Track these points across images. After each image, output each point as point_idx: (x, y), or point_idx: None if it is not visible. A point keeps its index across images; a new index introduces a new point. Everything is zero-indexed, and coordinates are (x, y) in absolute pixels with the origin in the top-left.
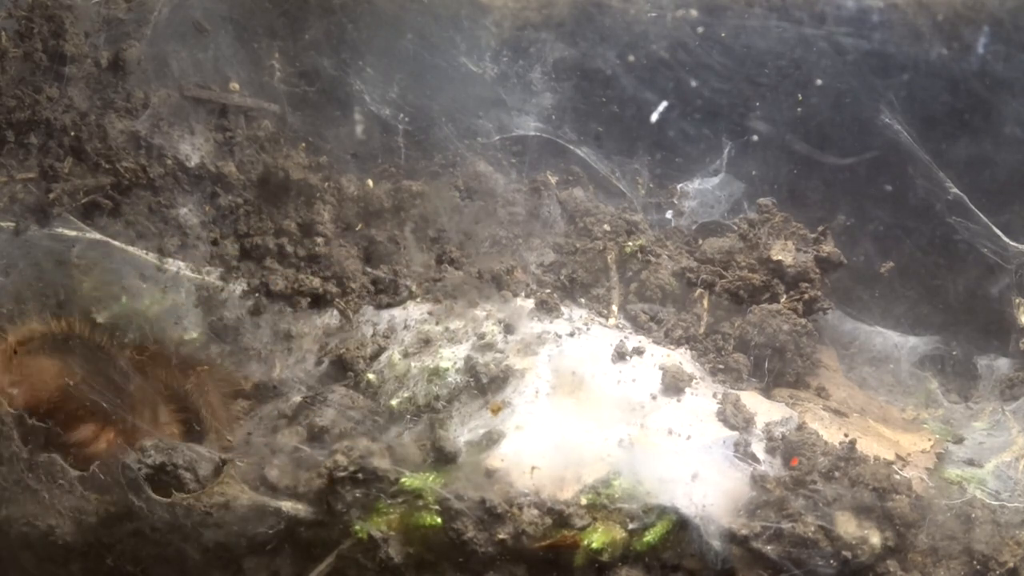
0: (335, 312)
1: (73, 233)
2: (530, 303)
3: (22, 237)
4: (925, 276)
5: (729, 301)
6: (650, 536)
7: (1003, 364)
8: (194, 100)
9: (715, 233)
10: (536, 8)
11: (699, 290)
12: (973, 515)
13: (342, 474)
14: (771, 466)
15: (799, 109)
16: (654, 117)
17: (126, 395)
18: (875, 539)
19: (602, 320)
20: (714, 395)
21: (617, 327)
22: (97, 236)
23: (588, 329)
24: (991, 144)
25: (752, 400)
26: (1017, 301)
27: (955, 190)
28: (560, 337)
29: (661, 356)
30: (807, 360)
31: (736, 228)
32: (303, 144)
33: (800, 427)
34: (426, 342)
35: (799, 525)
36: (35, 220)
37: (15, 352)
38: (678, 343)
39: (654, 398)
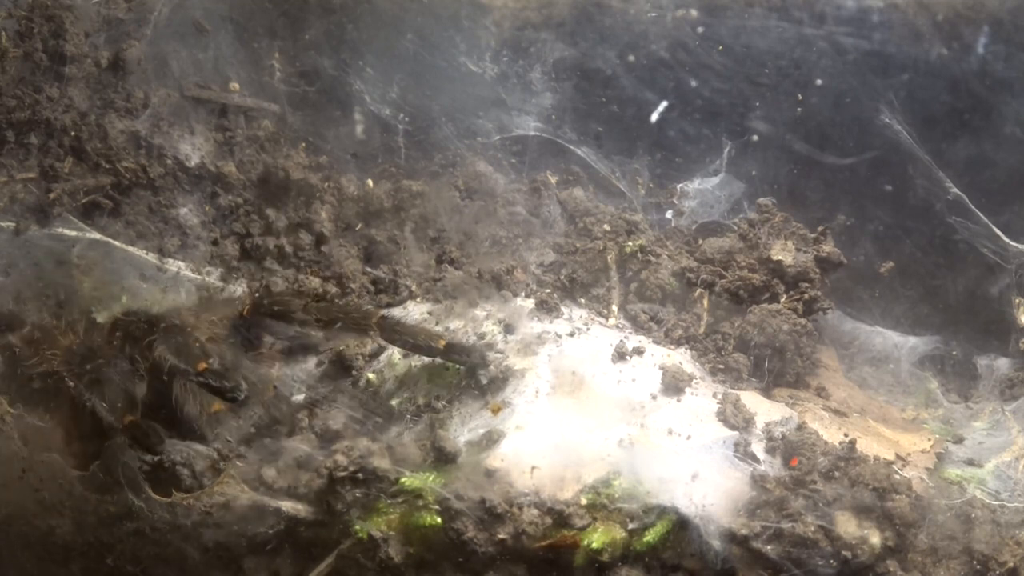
0: None
1: (73, 233)
2: (530, 303)
3: (22, 237)
4: (925, 276)
5: (729, 301)
6: (650, 536)
7: (1003, 364)
8: (194, 100)
9: (715, 233)
10: (536, 8)
11: (699, 290)
12: (973, 515)
13: (342, 474)
14: (771, 466)
15: (799, 109)
16: (654, 117)
17: None
18: (875, 539)
19: (602, 320)
20: (714, 395)
21: (617, 327)
22: (97, 236)
23: (588, 329)
24: (991, 144)
25: (752, 400)
26: (1017, 301)
27: (955, 190)
28: (560, 337)
29: (661, 356)
30: (807, 360)
31: (736, 228)
32: (303, 144)
33: (800, 427)
34: None
35: (799, 525)
36: (35, 220)
37: None
38: (678, 343)
39: (654, 398)
